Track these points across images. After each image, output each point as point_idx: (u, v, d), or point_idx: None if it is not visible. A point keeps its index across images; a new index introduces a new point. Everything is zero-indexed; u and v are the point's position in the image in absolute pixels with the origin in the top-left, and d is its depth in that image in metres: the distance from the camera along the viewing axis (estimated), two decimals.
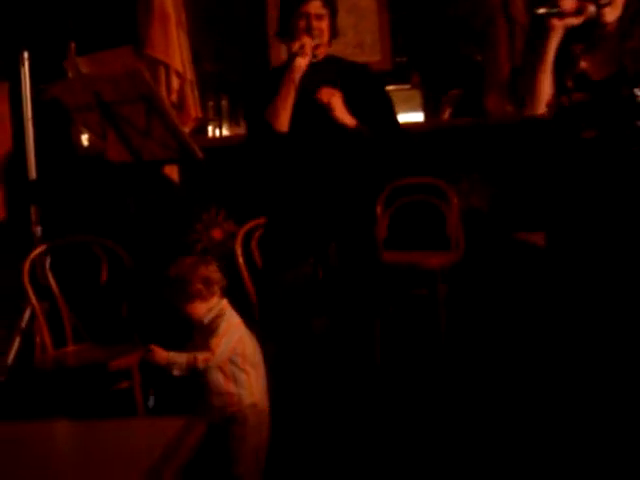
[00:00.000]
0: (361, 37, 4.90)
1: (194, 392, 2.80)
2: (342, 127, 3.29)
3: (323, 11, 3.35)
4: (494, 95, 4.60)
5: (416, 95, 6.52)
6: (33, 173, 4.45)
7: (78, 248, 3.78)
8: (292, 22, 3.35)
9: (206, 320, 2.77)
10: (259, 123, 3.34)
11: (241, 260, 3.79)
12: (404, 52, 5.35)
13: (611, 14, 2.64)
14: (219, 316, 2.77)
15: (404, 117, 6.33)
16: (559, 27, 2.62)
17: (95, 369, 3.32)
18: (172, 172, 4.60)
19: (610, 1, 2.60)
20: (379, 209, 4.46)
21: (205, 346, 2.72)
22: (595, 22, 2.65)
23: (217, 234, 4.75)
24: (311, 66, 3.33)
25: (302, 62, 3.27)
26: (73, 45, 4.32)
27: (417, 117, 6.39)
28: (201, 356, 2.70)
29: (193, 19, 4.91)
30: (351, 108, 3.31)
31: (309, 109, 3.31)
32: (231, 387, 2.76)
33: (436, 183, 4.47)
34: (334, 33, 3.42)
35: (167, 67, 4.65)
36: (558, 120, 2.71)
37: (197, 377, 2.75)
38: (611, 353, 2.71)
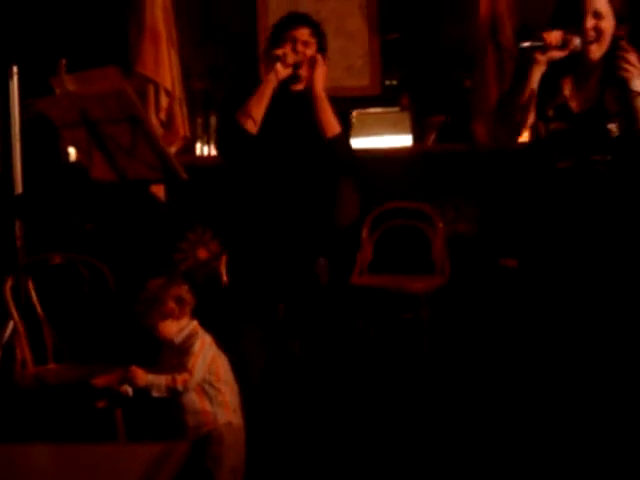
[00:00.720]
0: (350, 61, 4.92)
1: (169, 412, 2.79)
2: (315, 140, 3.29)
3: (311, 39, 3.34)
4: (481, 121, 4.63)
5: (405, 118, 6.55)
6: (19, 188, 4.43)
7: (61, 265, 3.77)
8: (279, 45, 3.33)
9: (178, 340, 2.77)
10: (229, 121, 3.30)
11: (225, 279, 3.79)
12: (394, 74, 5.38)
13: (597, 51, 2.68)
14: (192, 336, 2.77)
15: (393, 139, 6.36)
16: (542, 61, 2.67)
17: (75, 387, 3.30)
18: (159, 191, 4.59)
19: (596, 38, 2.64)
20: (365, 232, 4.48)
21: (180, 367, 2.71)
22: (581, 56, 2.69)
23: (202, 254, 4.75)
24: (290, 95, 3.34)
25: (281, 69, 3.25)
26: (64, 62, 4.33)
27: (406, 139, 6.42)
28: (180, 377, 2.69)
29: (183, 36, 4.93)
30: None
31: (283, 137, 3.30)
32: (206, 406, 2.75)
33: (422, 208, 4.49)
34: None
35: (156, 85, 4.67)
36: (534, 149, 2.75)
37: (172, 397, 2.74)
38: (587, 374, 2.75)
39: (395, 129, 6.28)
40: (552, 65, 2.70)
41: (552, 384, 2.84)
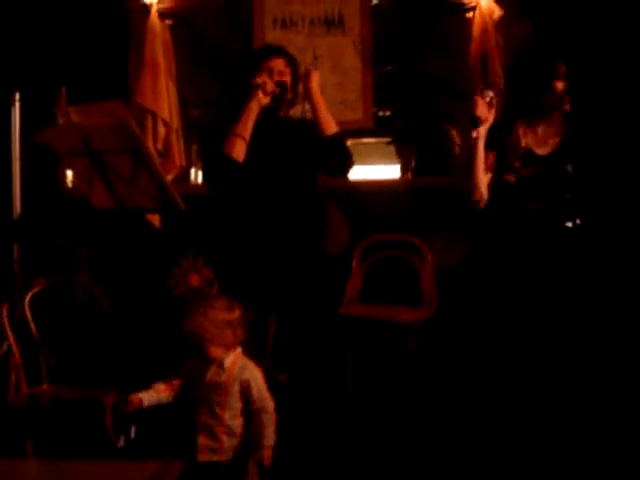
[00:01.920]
0: (344, 95, 5.02)
1: (183, 430, 2.81)
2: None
3: (286, 69, 3.43)
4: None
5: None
6: (18, 211, 4.49)
7: (58, 288, 3.82)
8: (257, 75, 3.39)
9: (227, 363, 2.79)
10: (215, 151, 3.35)
11: None
12: (388, 106, 5.46)
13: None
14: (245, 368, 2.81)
15: (386, 169, 6.44)
16: (483, 133, 2.94)
17: (68, 408, 3.35)
18: (153, 218, 4.66)
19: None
20: (355, 262, 4.55)
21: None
22: (538, 104, 2.87)
23: (195, 280, 4.79)
24: (274, 122, 3.42)
25: (262, 97, 3.33)
26: (64, 90, 4.41)
27: (397, 170, 6.50)
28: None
29: (180, 65, 5.02)
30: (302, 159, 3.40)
31: (270, 163, 3.37)
32: (222, 431, 2.77)
33: (411, 240, 4.57)
34: (294, 95, 3.50)
35: (154, 116, 4.76)
36: (504, 195, 2.90)
37: (189, 416, 2.78)
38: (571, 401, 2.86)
39: (388, 159, 6.36)
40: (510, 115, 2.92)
41: (536, 415, 2.92)
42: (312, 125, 3.45)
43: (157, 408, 2.83)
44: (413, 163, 5.26)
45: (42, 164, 4.65)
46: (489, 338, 3.92)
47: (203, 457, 2.74)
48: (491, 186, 3.00)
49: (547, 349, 2.86)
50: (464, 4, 4.92)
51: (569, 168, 2.82)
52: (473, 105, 2.90)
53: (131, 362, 3.42)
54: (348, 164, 3.52)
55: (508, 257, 2.95)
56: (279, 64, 3.43)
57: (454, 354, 4.47)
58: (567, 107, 2.90)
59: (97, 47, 4.91)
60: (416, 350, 4.29)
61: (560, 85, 2.89)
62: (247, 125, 3.31)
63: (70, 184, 4.95)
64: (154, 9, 4.87)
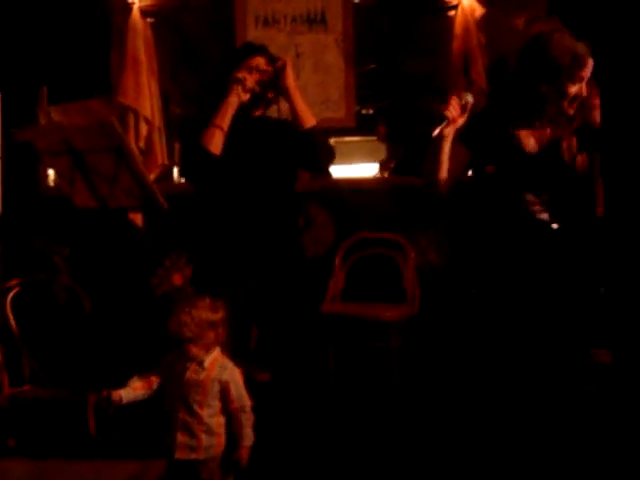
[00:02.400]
0: (327, 94, 5.02)
1: (162, 428, 2.81)
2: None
3: (267, 68, 3.40)
4: None
5: (381, 147, 6.65)
6: None
7: (39, 288, 3.81)
8: (235, 73, 3.37)
9: (207, 362, 2.80)
10: (193, 145, 3.33)
11: None
12: (371, 104, 5.47)
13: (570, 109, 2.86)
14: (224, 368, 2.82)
15: (369, 167, 6.46)
16: (450, 133, 2.91)
17: (51, 408, 3.34)
18: (136, 217, 4.65)
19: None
20: (338, 260, 4.56)
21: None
22: (537, 106, 2.86)
23: (177, 279, 4.78)
24: (251, 121, 3.40)
25: (242, 92, 3.32)
26: (45, 89, 4.40)
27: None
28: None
29: (163, 62, 5.01)
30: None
31: (247, 161, 3.35)
32: (201, 429, 2.77)
33: (394, 238, 4.58)
34: (275, 94, 3.45)
35: (136, 114, 4.76)
36: (482, 185, 2.90)
37: (167, 412, 2.79)
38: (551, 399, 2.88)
39: (372, 157, 6.38)
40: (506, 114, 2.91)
41: (519, 412, 2.93)
42: (290, 125, 3.44)
43: (139, 406, 2.83)
44: (393, 162, 5.28)
45: (23, 163, 4.63)
46: (472, 336, 3.94)
47: (181, 455, 2.75)
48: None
49: (530, 345, 2.87)
50: (446, 3, 4.94)
51: (557, 167, 2.82)
52: (446, 103, 2.89)
53: (113, 361, 3.41)
54: (329, 157, 3.50)
55: (491, 255, 2.95)
56: (260, 62, 3.41)
57: (437, 352, 4.48)
58: (571, 111, 2.86)
59: (79, 45, 4.89)
60: (399, 348, 4.30)
61: (574, 89, 2.83)
62: (225, 118, 3.30)
63: (52, 183, 4.93)
64: (136, 7, 4.86)
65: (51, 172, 4.87)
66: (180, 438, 2.75)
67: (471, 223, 3.02)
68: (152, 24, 4.97)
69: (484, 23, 4.86)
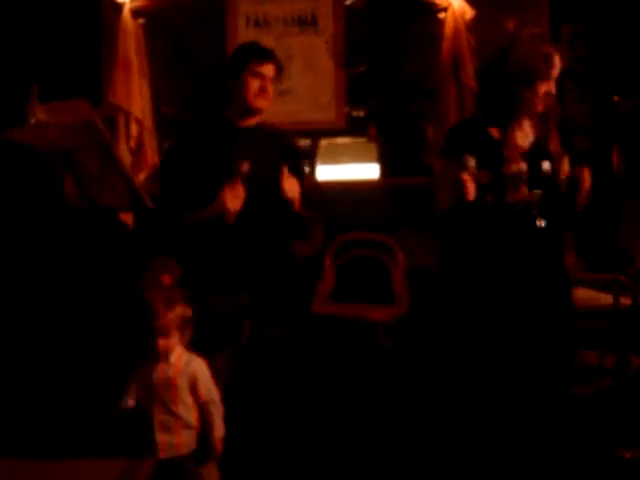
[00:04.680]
0: (317, 95, 5.03)
1: (137, 427, 2.82)
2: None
3: (275, 76, 3.30)
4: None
5: (372, 148, 6.67)
6: None
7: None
8: (244, 77, 3.26)
9: (173, 358, 2.81)
10: (168, 214, 3.22)
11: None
12: (361, 106, 5.47)
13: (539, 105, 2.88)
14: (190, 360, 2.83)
15: (360, 169, 6.47)
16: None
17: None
18: (127, 217, 4.64)
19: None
20: (327, 261, 4.57)
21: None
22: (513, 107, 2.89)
23: (166, 279, 4.76)
24: (245, 132, 3.29)
25: (234, 202, 3.14)
26: (35, 88, 4.38)
27: (373, 169, 6.54)
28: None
29: (153, 63, 5.00)
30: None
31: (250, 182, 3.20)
32: (179, 425, 2.78)
33: (383, 239, 4.60)
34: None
35: (127, 114, 4.76)
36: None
37: (144, 412, 2.80)
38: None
39: (362, 159, 6.40)
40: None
41: (509, 412, 2.95)
42: (273, 131, 3.39)
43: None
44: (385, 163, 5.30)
45: (11, 164, 4.62)
46: (461, 337, 3.96)
47: (164, 454, 2.75)
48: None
49: (520, 346, 2.88)
50: (436, 5, 4.94)
51: (544, 166, 2.84)
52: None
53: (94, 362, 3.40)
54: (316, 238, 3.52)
55: (480, 255, 2.97)
56: (270, 69, 3.28)
57: (426, 353, 4.50)
58: (540, 108, 2.89)
59: (69, 46, 4.89)
60: (388, 349, 4.32)
61: (545, 87, 2.87)
62: (207, 217, 3.18)
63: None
64: (127, 7, 4.85)
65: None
66: (160, 438, 2.76)
67: (462, 226, 3.03)
68: (143, 25, 4.96)
69: (474, 25, 4.86)
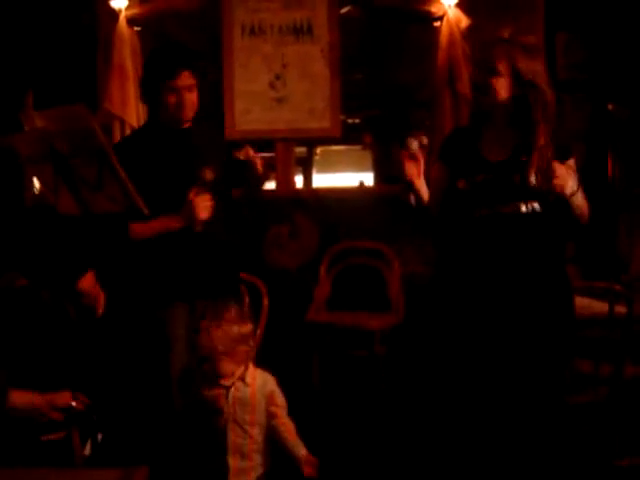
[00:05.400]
0: (313, 103, 5.04)
1: (207, 450, 2.70)
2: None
3: (193, 81, 3.13)
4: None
5: (367, 155, 6.70)
6: None
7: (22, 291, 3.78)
8: (162, 95, 3.12)
9: (248, 378, 2.72)
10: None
11: None
12: (357, 113, 5.49)
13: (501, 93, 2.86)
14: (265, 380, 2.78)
15: (355, 176, 6.49)
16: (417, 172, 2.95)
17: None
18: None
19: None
20: (323, 269, 4.57)
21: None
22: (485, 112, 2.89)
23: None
24: (178, 133, 3.20)
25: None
26: (31, 95, 4.39)
27: (368, 177, 6.56)
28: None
29: None
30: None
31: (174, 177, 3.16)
32: (253, 449, 2.70)
33: (379, 247, 4.60)
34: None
35: (122, 122, 4.76)
36: (455, 201, 2.92)
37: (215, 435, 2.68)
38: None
39: (357, 166, 6.43)
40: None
41: (505, 418, 2.94)
42: (209, 129, 3.38)
43: (122, 415, 2.81)
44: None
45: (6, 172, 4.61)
46: (458, 345, 3.95)
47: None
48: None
49: (515, 352, 2.88)
50: (432, 13, 4.96)
51: (522, 174, 2.81)
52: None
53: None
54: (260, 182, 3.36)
55: (474, 263, 2.96)
56: (185, 78, 3.11)
57: (422, 361, 4.49)
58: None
59: (65, 53, 4.89)
60: (384, 357, 4.31)
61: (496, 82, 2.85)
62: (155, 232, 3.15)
63: (36, 191, 4.90)
64: (122, 15, 4.86)
65: (35, 180, 4.85)
66: (232, 462, 2.66)
67: (454, 235, 3.03)
68: (138, 33, 4.97)
69: (469, 34, 4.88)
